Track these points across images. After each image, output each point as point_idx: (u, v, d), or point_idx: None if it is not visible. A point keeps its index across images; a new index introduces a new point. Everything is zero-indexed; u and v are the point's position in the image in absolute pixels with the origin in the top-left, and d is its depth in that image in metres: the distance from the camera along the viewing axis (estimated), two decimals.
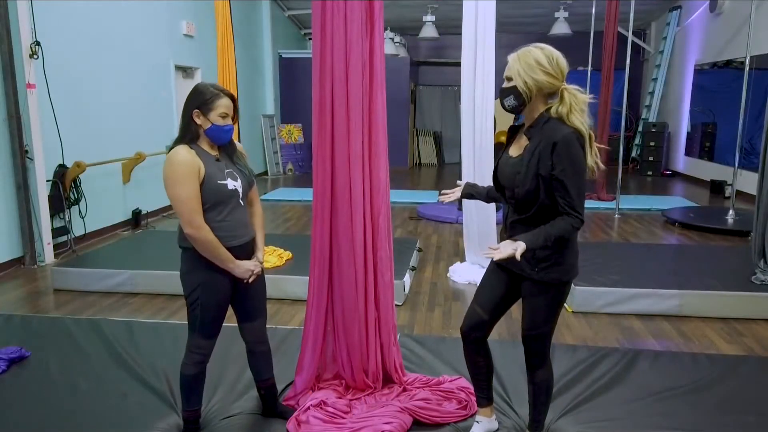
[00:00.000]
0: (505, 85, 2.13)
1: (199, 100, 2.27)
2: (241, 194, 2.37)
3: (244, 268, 2.36)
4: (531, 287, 2.20)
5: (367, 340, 2.80)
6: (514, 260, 2.19)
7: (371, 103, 2.66)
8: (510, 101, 2.12)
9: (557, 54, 2.08)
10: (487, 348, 2.44)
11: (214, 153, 2.34)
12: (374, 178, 2.71)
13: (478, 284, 2.45)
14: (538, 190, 2.08)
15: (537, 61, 2.05)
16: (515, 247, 2.00)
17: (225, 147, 2.39)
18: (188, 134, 2.29)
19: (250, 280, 2.41)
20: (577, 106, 2.07)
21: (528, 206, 2.13)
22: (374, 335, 2.82)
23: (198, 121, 2.28)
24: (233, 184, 2.33)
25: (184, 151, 2.24)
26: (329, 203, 2.71)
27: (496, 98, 3.59)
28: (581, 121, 2.06)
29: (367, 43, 2.60)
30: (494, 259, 2.03)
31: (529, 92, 2.07)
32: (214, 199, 2.28)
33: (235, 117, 2.36)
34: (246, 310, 2.52)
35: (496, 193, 2.38)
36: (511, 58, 2.12)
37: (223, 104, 2.28)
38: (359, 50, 2.57)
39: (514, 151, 2.22)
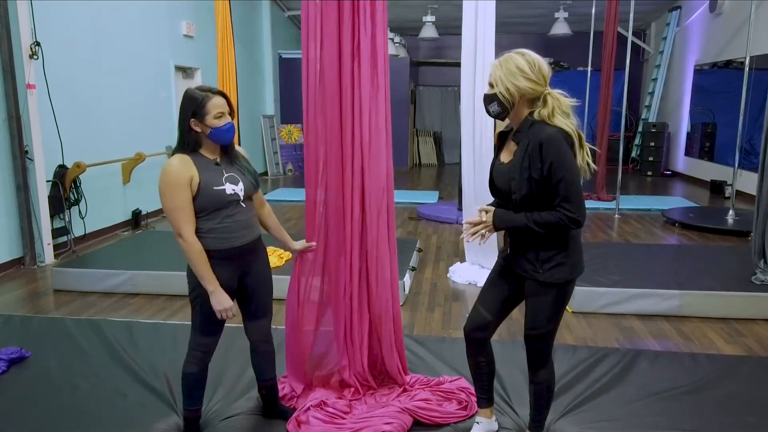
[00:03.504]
0: (488, 91, 2.15)
1: (192, 107, 2.22)
2: (242, 197, 2.34)
3: (218, 300, 2.27)
4: (535, 286, 2.20)
5: (369, 340, 2.80)
6: (519, 262, 2.20)
7: (371, 103, 2.65)
8: (494, 108, 2.14)
9: (539, 59, 2.09)
10: (489, 349, 2.44)
11: (214, 157, 2.32)
12: (374, 178, 2.70)
13: (478, 284, 2.45)
14: (534, 192, 2.08)
15: (518, 67, 2.06)
16: (487, 218, 2.17)
17: (225, 149, 2.37)
18: (188, 143, 2.27)
19: (221, 317, 2.30)
20: (559, 108, 2.07)
21: (528, 209, 2.13)
22: (374, 335, 2.82)
23: (197, 129, 2.25)
24: (232, 188, 2.31)
25: (175, 161, 2.23)
26: (329, 204, 2.71)
27: None
28: (566, 123, 2.07)
29: (368, 42, 2.59)
30: (469, 239, 2.19)
31: (510, 98, 2.09)
32: (212, 206, 2.27)
33: (233, 113, 2.32)
34: (252, 309, 2.52)
35: (499, 201, 2.37)
36: (494, 64, 2.13)
37: (216, 104, 2.23)
38: (358, 50, 2.57)
39: (505, 157, 2.23)
